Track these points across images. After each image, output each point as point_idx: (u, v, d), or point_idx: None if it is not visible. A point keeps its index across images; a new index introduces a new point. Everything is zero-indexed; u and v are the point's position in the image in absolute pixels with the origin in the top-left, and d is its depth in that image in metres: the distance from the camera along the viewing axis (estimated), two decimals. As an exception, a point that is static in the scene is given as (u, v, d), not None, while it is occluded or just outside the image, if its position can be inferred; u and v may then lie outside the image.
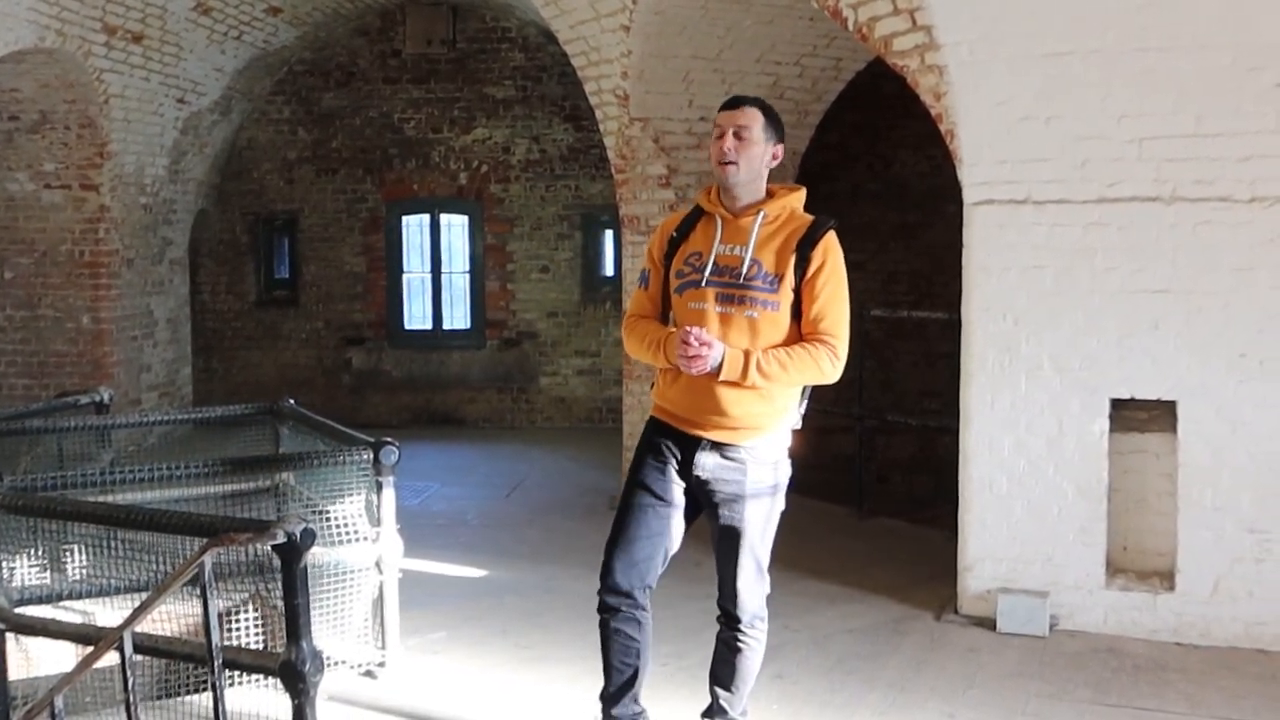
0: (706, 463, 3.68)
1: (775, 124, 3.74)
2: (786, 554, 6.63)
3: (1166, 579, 5.35)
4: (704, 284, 3.66)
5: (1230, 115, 5.01)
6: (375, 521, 4.77)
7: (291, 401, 5.76)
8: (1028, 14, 5.18)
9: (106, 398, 6.23)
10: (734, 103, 3.75)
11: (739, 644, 3.79)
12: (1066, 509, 5.44)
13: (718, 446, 3.67)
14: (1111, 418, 5.38)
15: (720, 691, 3.86)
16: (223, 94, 10.91)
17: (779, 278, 3.62)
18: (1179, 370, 5.23)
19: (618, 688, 3.85)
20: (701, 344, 3.49)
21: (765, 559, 3.80)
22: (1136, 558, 5.51)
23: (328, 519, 4.68)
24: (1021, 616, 5.36)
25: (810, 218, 3.73)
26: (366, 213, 11.96)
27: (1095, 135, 5.24)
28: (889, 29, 5.59)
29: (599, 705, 3.93)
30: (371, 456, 4.72)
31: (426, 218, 12.11)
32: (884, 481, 9.42)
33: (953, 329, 5.89)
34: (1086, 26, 5.10)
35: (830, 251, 3.67)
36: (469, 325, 12.06)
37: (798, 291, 3.63)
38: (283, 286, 12.14)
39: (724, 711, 3.87)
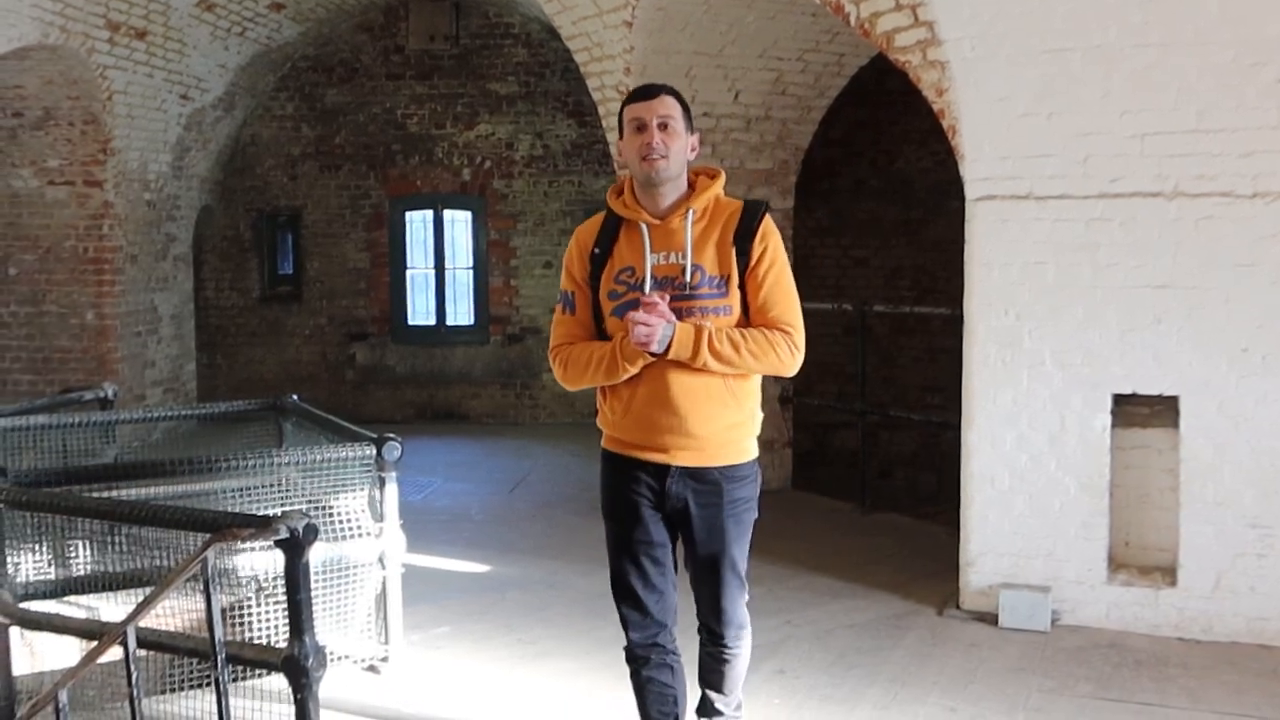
0: (680, 491, 3.39)
1: (689, 113, 3.41)
2: (789, 549, 6.71)
3: (1168, 574, 5.35)
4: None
5: (1232, 110, 5.01)
6: (378, 517, 4.78)
7: (295, 397, 5.78)
8: (1029, 10, 5.18)
9: (110, 393, 6.25)
10: (650, 91, 3.37)
11: (726, 656, 3.60)
12: (1068, 504, 5.45)
13: (689, 472, 3.38)
14: (1113, 413, 5.38)
15: (713, 694, 3.68)
16: (226, 90, 10.92)
17: (725, 279, 3.33)
18: (1181, 365, 5.23)
19: None
20: (656, 313, 3.19)
21: (744, 568, 3.57)
22: (1138, 553, 5.51)
23: (331, 514, 4.70)
24: (1023, 612, 5.37)
25: (739, 203, 3.42)
26: (370, 208, 11.98)
27: (1097, 131, 5.23)
28: (891, 24, 5.59)
29: None
30: (374, 452, 4.74)
31: (430, 213, 12.12)
32: (886, 477, 9.45)
33: (955, 324, 5.90)
34: (1088, 22, 5.10)
35: (770, 237, 3.36)
36: (472, 321, 12.08)
37: (743, 287, 3.35)
38: (286, 282, 12.15)
39: (719, 712, 3.70)
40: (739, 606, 3.57)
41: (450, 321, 12.15)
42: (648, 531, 3.46)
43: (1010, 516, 5.54)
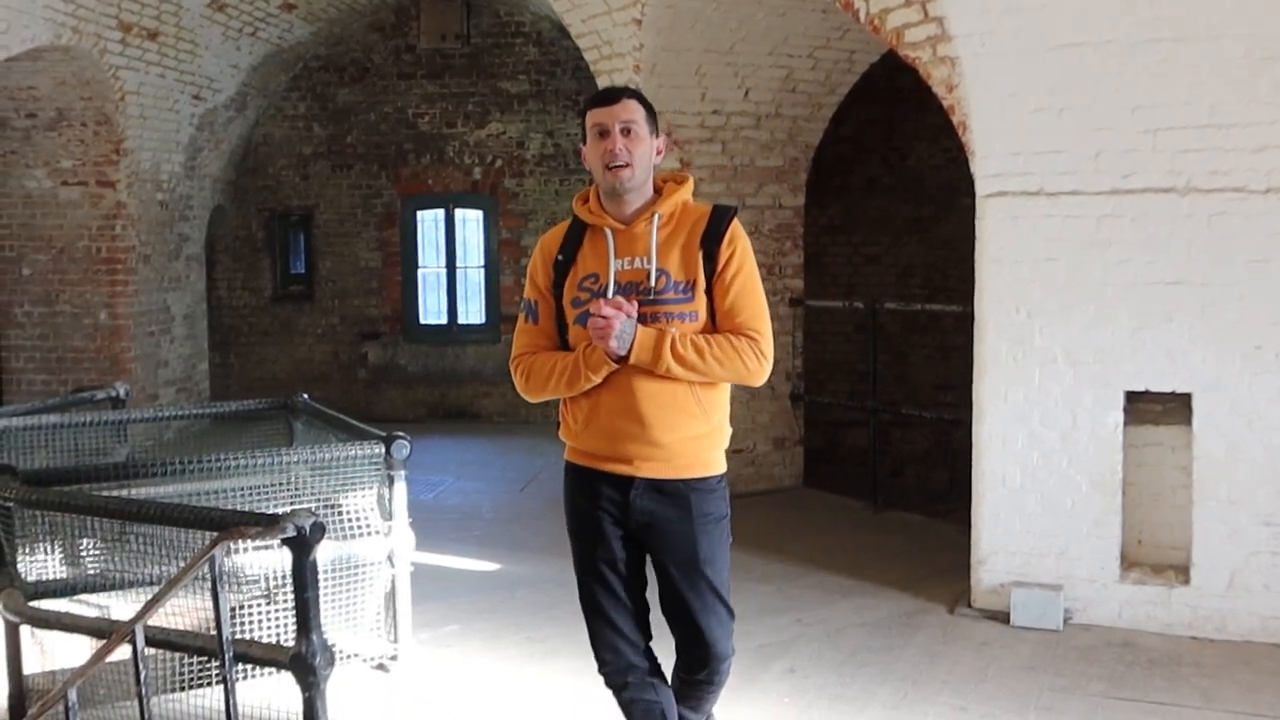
0: (645, 504, 3.25)
1: (654, 115, 3.29)
2: (799, 547, 6.69)
3: (1181, 573, 5.32)
4: None
5: (1245, 105, 4.98)
6: (387, 515, 4.79)
7: (305, 396, 5.79)
8: (1040, 5, 5.15)
9: (123, 393, 6.27)
10: (611, 96, 3.27)
11: (710, 687, 3.41)
12: (1080, 502, 5.42)
13: (654, 484, 3.23)
14: (1126, 410, 5.35)
15: (688, 713, 3.48)
16: (238, 90, 10.96)
17: (691, 284, 3.21)
18: (1193, 363, 5.19)
19: None
20: (615, 309, 3.07)
21: (727, 591, 3.35)
22: (1151, 551, 5.48)
23: (340, 513, 4.71)
24: (1035, 610, 5.34)
25: (707, 208, 3.30)
26: (381, 208, 12.00)
27: (1109, 126, 5.20)
28: (901, 20, 5.57)
29: None
30: (383, 450, 4.74)
31: (441, 212, 12.13)
32: (898, 475, 9.43)
33: (967, 322, 5.88)
34: (1099, 17, 5.07)
35: (738, 241, 3.24)
36: (484, 320, 12.09)
37: (710, 293, 3.22)
38: (298, 282, 12.19)
39: None
40: (726, 633, 3.35)
41: (462, 320, 12.16)
42: (610, 549, 3.30)
43: (1022, 514, 5.52)
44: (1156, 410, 5.39)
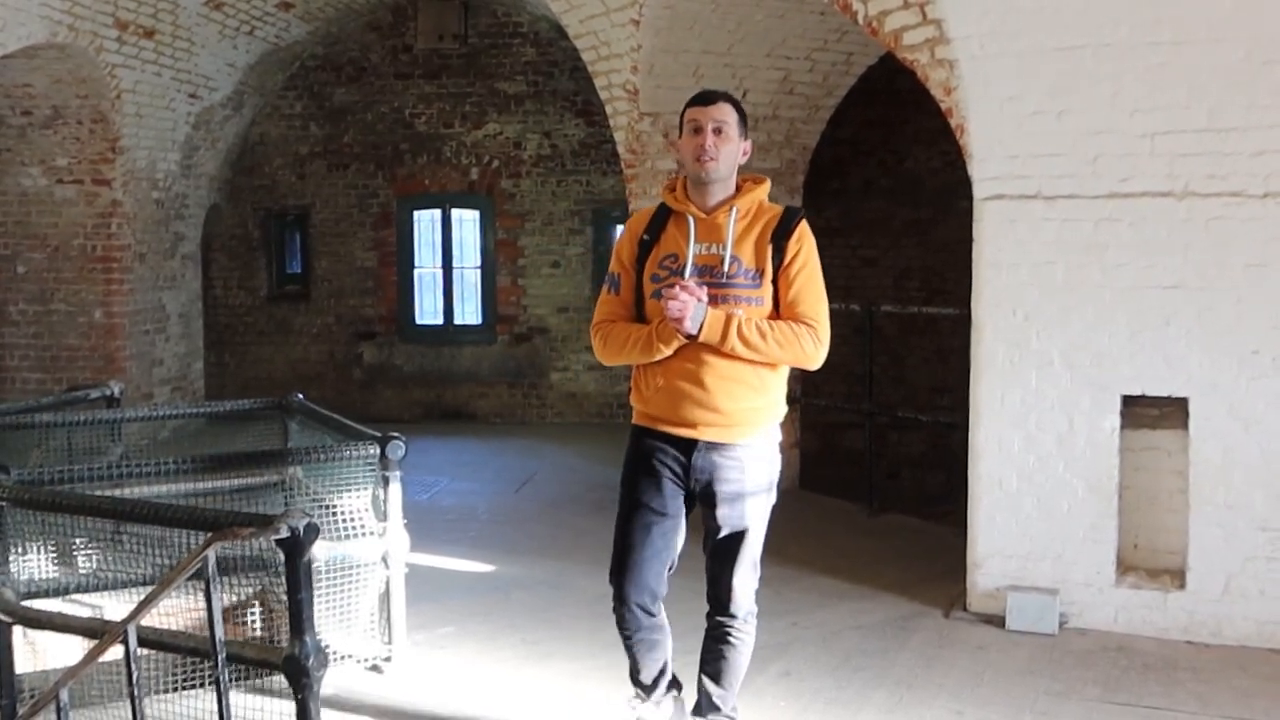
0: (705, 464, 3.64)
1: (745, 120, 3.71)
2: (796, 550, 6.67)
3: (1177, 577, 5.32)
4: None
5: (1243, 110, 4.97)
6: (382, 516, 4.77)
7: (300, 396, 5.77)
8: (1039, 8, 5.14)
9: (117, 392, 6.26)
10: (709, 98, 3.67)
11: (731, 640, 3.78)
12: (1077, 506, 5.41)
13: (714, 447, 3.63)
14: (1122, 414, 5.34)
15: (711, 686, 3.83)
16: (234, 89, 10.93)
17: (760, 273, 3.60)
18: (1191, 367, 5.19)
19: (653, 678, 3.91)
20: (689, 293, 3.43)
21: (759, 554, 3.78)
22: (1147, 555, 5.48)
23: (335, 513, 4.69)
24: (1031, 614, 5.34)
25: (780, 208, 3.71)
26: (378, 208, 11.98)
27: (1107, 130, 5.20)
28: (899, 23, 5.56)
29: (634, 687, 3.98)
30: (378, 451, 4.72)
31: (438, 213, 12.11)
32: (894, 478, 9.41)
33: (964, 325, 5.86)
34: (1098, 20, 5.07)
35: (804, 239, 3.64)
36: (480, 320, 12.07)
37: (775, 283, 3.60)
38: (294, 281, 12.17)
39: (716, 709, 3.85)
40: (750, 590, 3.76)
41: (458, 321, 12.14)
42: (661, 502, 3.69)
43: (1018, 518, 5.51)
44: (1153, 414, 5.38)
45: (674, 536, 3.74)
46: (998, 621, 5.41)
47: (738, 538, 3.69)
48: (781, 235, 3.61)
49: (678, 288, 3.44)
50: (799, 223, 3.65)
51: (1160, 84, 5.06)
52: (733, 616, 3.75)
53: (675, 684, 3.98)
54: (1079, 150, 5.27)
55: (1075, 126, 5.25)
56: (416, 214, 12.11)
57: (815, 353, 3.59)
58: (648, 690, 3.92)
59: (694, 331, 3.46)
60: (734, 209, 3.63)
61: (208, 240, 11.76)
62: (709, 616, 3.81)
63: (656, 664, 3.87)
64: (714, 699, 3.83)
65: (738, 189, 3.70)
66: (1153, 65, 5.04)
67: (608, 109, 8.17)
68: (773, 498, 3.76)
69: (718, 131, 3.58)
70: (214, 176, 11.47)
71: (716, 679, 3.82)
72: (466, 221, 12.11)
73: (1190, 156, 5.08)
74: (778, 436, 3.77)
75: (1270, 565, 5.10)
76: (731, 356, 3.53)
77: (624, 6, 7.19)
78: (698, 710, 3.90)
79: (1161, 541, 5.43)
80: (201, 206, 11.34)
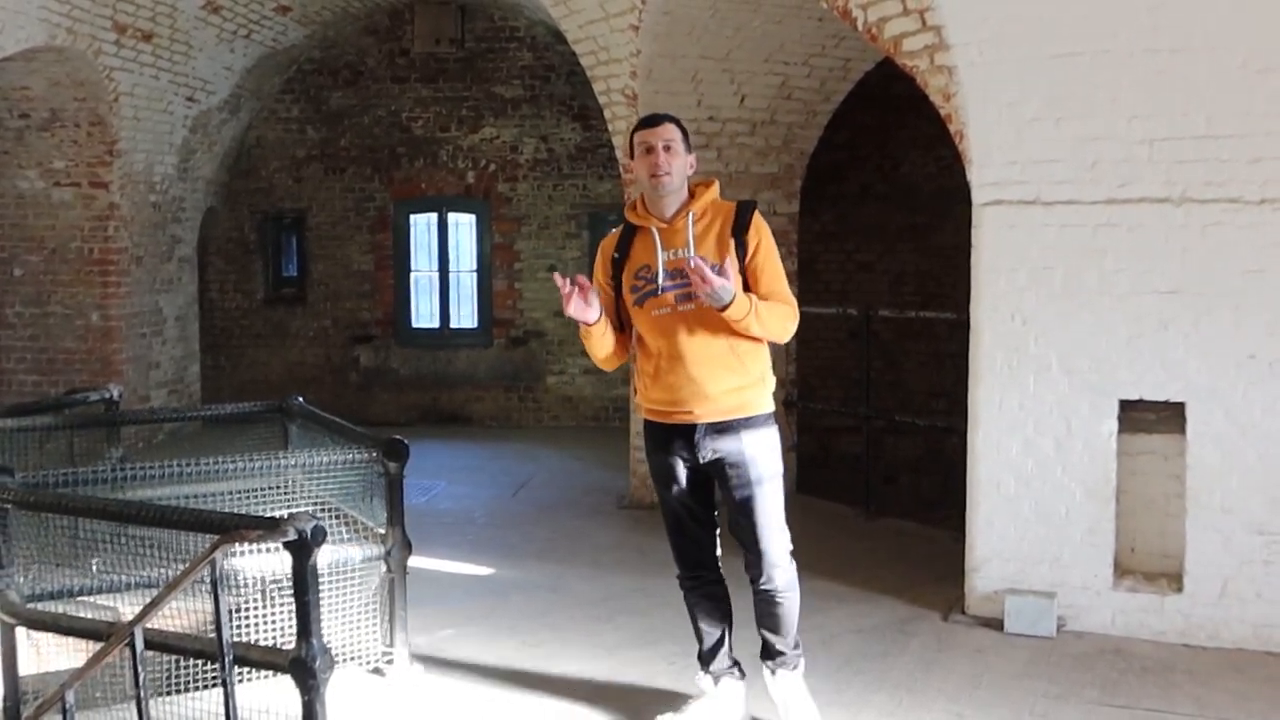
0: (707, 443, 4.06)
1: (688, 137, 4.12)
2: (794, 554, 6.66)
3: (1174, 581, 5.34)
4: (660, 291, 4.02)
5: (1241, 116, 5.00)
6: (383, 520, 4.78)
7: (300, 399, 5.78)
8: (1038, 15, 5.17)
9: (115, 395, 6.25)
10: (654, 120, 4.07)
11: (777, 599, 4.16)
12: (1074, 510, 5.44)
13: (712, 427, 4.04)
14: (1120, 419, 5.37)
15: (770, 636, 4.25)
16: (232, 92, 10.94)
17: (724, 264, 3.93)
18: (1188, 372, 5.22)
19: (710, 647, 4.31)
20: (704, 276, 3.76)
21: (781, 515, 4.15)
22: (1144, 559, 5.50)
23: (336, 517, 4.70)
24: (1029, 617, 5.36)
25: (733, 204, 4.10)
26: (374, 211, 11.98)
27: (1105, 136, 5.23)
28: (898, 29, 5.59)
29: (698, 664, 4.38)
30: (379, 455, 4.73)
31: (434, 216, 12.12)
32: (891, 482, 9.43)
33: (961, 330, 5.89)
34: (1097, 27, 5.10)
35: (761, 230, 4.06)
36: (476, 324, 12.08)
37: (744, 273, 3.98)
38: (291, 285, 12.16)
39: (780, 653, 4.26)
40: (780, 547, 4.15)
41: (454, 324, 12.15)
42: (683, 488, 4.16)
43: (1016, 522, 5.53)
44: (1151, 419, 5.41)
45: (705, 512, 4.21)
46: (996, 625, 5.43)
47: (751, 499, 4.07)
48: (740, 230, 4.01)
49: (694, 274, 3.78)
50: (753, 215, 4.04)
51: (1158, 91, 5.09)
52: (770, 579, 4.13)
53: (738, 668, 4.36)
54: (1077, 156, 5.30)
55: (1074, 133, 5.28)
56: (413, 217, 12.12)
57: (792, 328, 4.12)
58: (705, 663, 4.34)
59: (726, 300, 3.81)
60: (690, 214, 4.03)
61: (204, 243, 11.76)
62: (752, 582, 4.19)
63: (712, 636, 4.29)
64: (776, 645, 4.25)
65: (691, 195, 4.09)
66: (1151, 72, 5.07)
67: (606, 114, 8.19)
68: (779, 464, 4.16)
69: (667, 149, 3.98)
70: (211, 179, 11.47)
71: (774, 630, 4.23)
72: (463, 225, 12.12)
73: (1188, 163, 5.12)
74: (770, 407, 4.13)
75: (1267, 569, 5.13)
76: (710, 343, 3.97)
77: (623, 12, 7.21)
78: (765, 654, 4.30)
79: (1159, 545, 5.45)
80: (198, 209, 11.33)
